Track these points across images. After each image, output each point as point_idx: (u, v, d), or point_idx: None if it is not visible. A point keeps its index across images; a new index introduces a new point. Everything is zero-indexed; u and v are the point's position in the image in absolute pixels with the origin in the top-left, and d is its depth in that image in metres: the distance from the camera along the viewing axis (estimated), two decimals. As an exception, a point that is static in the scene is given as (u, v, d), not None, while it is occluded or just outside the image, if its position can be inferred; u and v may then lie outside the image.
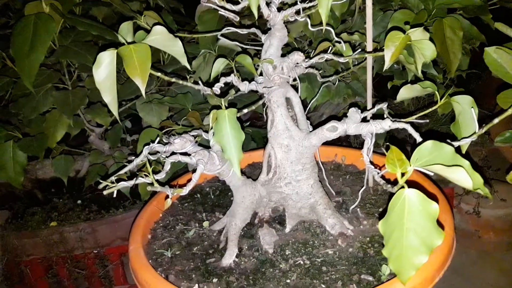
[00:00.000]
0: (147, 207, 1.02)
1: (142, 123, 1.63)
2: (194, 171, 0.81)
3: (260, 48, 1.01)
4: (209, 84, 0.89)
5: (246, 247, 0.89)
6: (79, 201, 1.56)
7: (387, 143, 0.64)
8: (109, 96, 0.77)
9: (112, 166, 1.42)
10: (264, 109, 0.92)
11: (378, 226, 0.58)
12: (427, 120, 0.87)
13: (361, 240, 0.88)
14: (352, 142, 1.71)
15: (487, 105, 1.58)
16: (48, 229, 1.41)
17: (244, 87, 0.91)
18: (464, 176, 0.55)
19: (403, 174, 0.58)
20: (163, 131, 1.19)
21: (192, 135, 0.99)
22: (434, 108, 0.86)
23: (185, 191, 0.77)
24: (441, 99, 0.83)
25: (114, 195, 0.83)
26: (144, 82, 0.73)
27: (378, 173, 0.73)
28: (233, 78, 0.92)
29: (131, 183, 0.81)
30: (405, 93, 0.90)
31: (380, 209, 0.97)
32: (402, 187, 0.57)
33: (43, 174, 1.66)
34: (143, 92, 0.73)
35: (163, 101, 1.29)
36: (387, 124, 0.80)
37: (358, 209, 0.96)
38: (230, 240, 0.89)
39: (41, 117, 1.32)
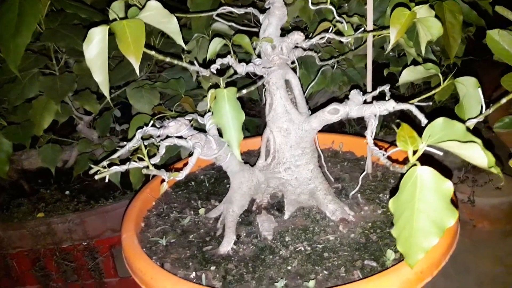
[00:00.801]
0: (140, 195, 0.99)
1: (132, 111, 1.59)
2: (190, 155, 0.77)
3: (256, 31, 0.98)
4: (204, 67, 0.86)
5: (244, 234, 0.86)
6: (67, 192, 1.51)
7: (398, 120, 0.61)
8: (101, 76, 0.73)
9: (102, 155, 1.38)
10: (263, 92, 0.89)
11: (389, 204, 0.56)
12: (430, 103, 0.85)
13: (362, 226, 0.85)
14: (348, 131, 1.69)
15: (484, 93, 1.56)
16: (35, 220, 1.36)
17: (241, 68, 0.88)
18: (479, 153, 0.52)
19: (414, 152, 0.56)
20: (156, 117, 1.15)
21: (187, 119, 0.96)
22: (437, 90, 0.84)
23: (181, 175, 0.74)
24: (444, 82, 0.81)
25: (106, 180, 0.80)
26: (138, 60, 0.69)
27: (383, 154, 0.70)
28: (229, 60, 0.88)
29: (124, 167, 0.78)
30: (407, 75, 0.87)
31: (380, 195, 0.95)
32: (414, 165, 0.54)
33: (29, 165, 1.60)
34: (137, 70, 0.69)
35: (155, 86, 1.25)
36: (391, 105, 0.77)
37: (359, 195, 0.94)
38: (228, 227, 0.86)
39: (27, 104, 1.27)
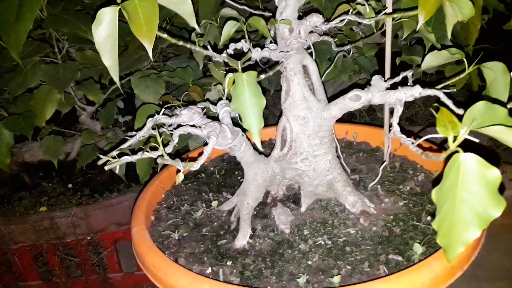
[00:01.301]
0: (149, 187, 0.94)
1: (136, 103, 1.54)
2: (205, 144, 0.73)
3: (267, 15, 0.93)
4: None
5: (260, 228, 0.82)
6: (70, 185, 1.47)
7: (436, 104, 0.57)
8: (110, 60, 0.69)
9: (105, 147, 1.33)
10: (281, 78, 0.84)
11: (432, 195, 0.52)
12: (455, 90, 0.81)
13: (384, 219, 0.81)
14: (358, 123, 1.65)
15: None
16: (37, 214, 1.31)
17: (256, 54, 0.83)
18: (527, 139, 0.48)
19: (455, 138, 0.52)
20: (164, 107, 1.10)
21: (200, 107, 0.92)
22: (463, 75, 0.80)
23: (196, 165, 0.69)
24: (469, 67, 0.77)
25: (117, 171, 0.75)
26: (151, 42, 0.65)
27: (412, 142, 0.66)
28: (244, 44, 0.84)
29: (135, 157, 0.74)
30: (431, 60, 0.83)
31: (400, 186, 0.91)
32: (456, 152, 0.50)
33: (31, 157, 1.55)
34: (150, 53, 0.65)
35: (161, 75, 1.20)
36: (417, 91, 0.73)
37: (378, 187, 0.90)
38: (243, 220, 0.82)
39: (28, 94, 1.22)
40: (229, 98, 0.96)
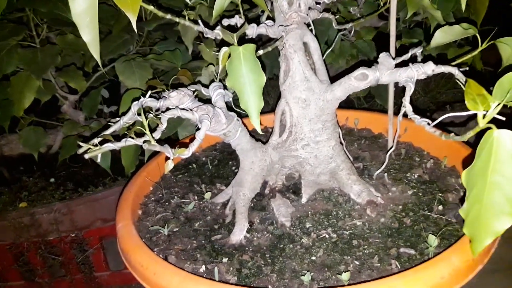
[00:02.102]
0: (136, 179, 0.87)
1: (121, 91, 1.46)
2: (196, 130, 0.66)
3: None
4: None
5: (258, 221, 0.75)
6: (52, 179, 1.38)
7: (466, 78, 0.51)
8: (89, 34, 0.61)
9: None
10: (280, 57, 0.77)
11: (461, 177, 0.45)
12: (467, 68, 0.74)
13: (392, 209, 0.75)
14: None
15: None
16: (17, 211, 1.23)
17: (252, 30, 0.76)
18: None
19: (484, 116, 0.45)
20: (149, 93, 1.02)
21: (190, 90, 0.84)
22: (476, 52, 0.74)
23: (188, 151, 0.62)
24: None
25: (99, 160, 0.68)
26: (135, 13, 0.58)
27: (428, 123, 0.59)
28: (238, 20, 0.77)
29: (119, 144, 0.66)
30: (441, 36, 0.77)
31: (407, 174, 0.85)
32: (488, 129, 0.44)
33: (10, 151, 1.46)
34: (134, 25, 0.57)
35: (148, 59, 1.12)
36: (430, 68, 0.66)
37: (384, 175, 0.83)
38: (239, 212, 0.75)
39: (5, 82, 1.13)
40: (223, 80, 0.89)
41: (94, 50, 0.60)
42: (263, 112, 0.87)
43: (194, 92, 0.76)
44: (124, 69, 1.15)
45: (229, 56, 0.57)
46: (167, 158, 0.59)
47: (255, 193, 0.80)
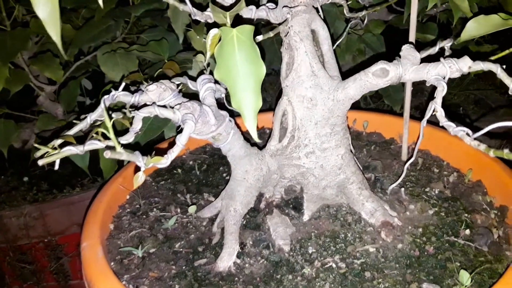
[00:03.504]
0: (109, 187, 0.74)
1: (106, 82, 1.33)
2: (178, 132, 0.53)
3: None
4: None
5: (251, 243, 0.63)
6: (25, 178, 1.25)
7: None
8: (44, 9, 0.48)
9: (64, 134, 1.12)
10: (282, 48, 0.64)
11: None
12: (504, 66, 0.62)
13: (411, 232, 0.63)
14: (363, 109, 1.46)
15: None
16: (-18, 213, 1.10)
17: (250, 13, 0.63)
18: None
19: None
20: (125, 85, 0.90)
21: (174, 83, 0.72)
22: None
23: (165, 160, 0.50)
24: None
25: (56, 167, 0.55)
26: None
27: (468, 134, 0.47)
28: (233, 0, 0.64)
29: (81, 148, 0.54)
30: (474, 28, 0.65)
31: (427, 189, 0.72)
32: None
33: (-20, 145, 1.33)
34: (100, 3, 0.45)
35: (132, 49, 0.99)
36: (467, 64, 0.54)
37: (402, 189, 0.71)
38: (229, 232, 0.62)
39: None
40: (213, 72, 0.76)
41: (53, 30, 0.46)
42: (260, 111, 0.75)
43: (178, 86, 0.63)
44: (106, 60, 1.02)
45: (220, 40, 0.45)
46: (137, 169, 0.47)
47: (249, 208, 0.67)
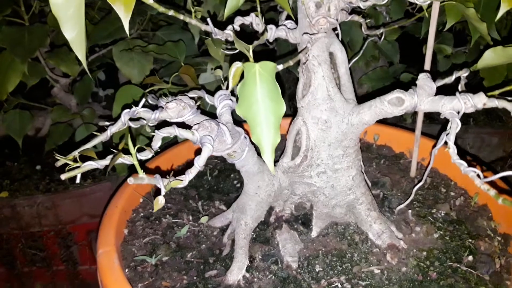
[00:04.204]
0: (123, 191, 0.76)
1: (118, 75, 1.35)
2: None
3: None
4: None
5: (260, 257, 0.65)
6: (38, 167, 1.27)
7: None
8: (72, 30, 0.50)
9: (80, 127, 1.14)
10: (300, 67, 0.65)
11: None
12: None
13: (416, 256, 0.65)
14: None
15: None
16: (-4, 200, 1.13)
17: (270, 33, 0.64)
18: None
19: None
20: (147, 90, 0.91)
21: (191, 97, 0.73)
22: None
23: (184, 181, 0.52)
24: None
25: (78, 180, 0.57)
26: (128, 12, 0.47)
27: (478, 175, 0.48)
28: (253, 19, 0.65)
29: (102, 163, 0.56)
30: (492, 58, 0.66)
31: (433, 210, 0.74)
32: None
33: (-6, 131, 1.36)
34: (126, 28, 0.46)
35: (148, 50, 1.00)
36: (481, 101, 0.55)
37: (410, 211, 0.73)
38: (239, 246, 0.64)
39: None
40: (233, 93, 0.77)
41: (79, 49, 0.49)
42: None
43: (196, 101, 0.65)
44: (122, 56, 1.04)
45: (242, 74, 0.46)
46: (157, 193, 0.48)
47: (259, 222, 0.69)
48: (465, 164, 0.51)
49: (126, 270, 0.63)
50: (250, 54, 0.47)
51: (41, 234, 1.18)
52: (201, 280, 0.62)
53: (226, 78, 0.80)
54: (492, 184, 0.74)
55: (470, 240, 0.68)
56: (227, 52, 0.78)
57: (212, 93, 0.67)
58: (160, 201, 0.48)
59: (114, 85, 1.36)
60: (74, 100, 1.25)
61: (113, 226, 0.68)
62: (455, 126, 0.54)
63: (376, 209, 0.69)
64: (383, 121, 1.33)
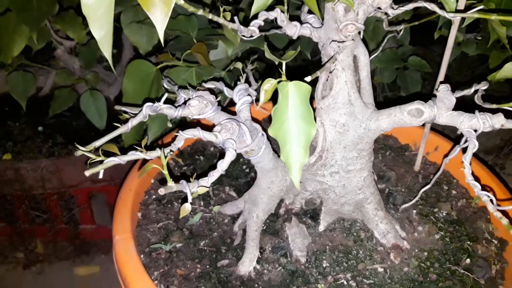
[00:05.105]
0: (136, 172, 0.77)
1: (122, 36, 1.31)
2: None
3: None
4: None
5: (270, 249, 0.68)
6: (40, 128, 1.27)
7: None
8: (101, 30, 0.50)
9: (85, 93, 1.12)
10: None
11: None
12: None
13: (417, 256, 0.69)
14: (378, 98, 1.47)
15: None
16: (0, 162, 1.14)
17: (294, 30, 0.64)
18: None
19: None
20: (159, 66, 0.90)
21: (208, 88, 0.73)
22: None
23: (206, 188, 0.53)
24: None
25: (101, 176, 0.58)
26: (167, 15, 0.47)
27: (492, 201, 0.51)
28: (279, 15, 0.64)
29: (125, 158, 0.57)
30: (511, 70, 0.66)
31: (435, 209, 0.77)
32: None
33: (-6, 87, 1.33)
34: (161, 37, 0.46)
35: (160, 23, 0.97)
36: (499, 122, 0.56)
37: (413, 209, 0.76)
38: (250, 238, 0.67)
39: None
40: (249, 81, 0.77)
41: (106, 48, 0.48)
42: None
43: (216, 96, 0.65)
44: (131, 22, 1.01)
45: (274, 91, 0.46)
46: (184, 200, 0.50)
47: (269, 214, 0.72)
48: (479, 187, 0.53)
49: (142, 256, 0.66)
50: (283, 70, 0.47)
51: (44, 196, 1.20)
52: (214, 270, 0.65)
53: (237, 58, 0.80)
54: (491, 184, 0.78)
55: (469, 243, 0.71)
56: (244, 38, 0.77)
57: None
58: (186, 208, 0.50)
59: (118, 46, 1.33)
60: (77, 63, 1.22)
61: (127, 211, 0.70)
62: (472, 147, 0.55)
63: (383, 208, 0.72)
64: (386, 96, 1.32)
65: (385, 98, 1.38)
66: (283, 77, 0.47)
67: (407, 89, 1.22)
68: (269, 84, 0.47)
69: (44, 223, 1.26)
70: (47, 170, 1.14)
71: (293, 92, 0.45)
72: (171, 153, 0.57)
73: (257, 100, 0.69)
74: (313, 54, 1.04)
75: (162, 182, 0.80)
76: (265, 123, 0.97)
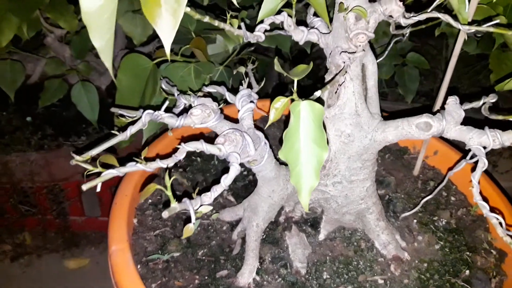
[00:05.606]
0: (133, 176, 0.75)
1: (116, 26, 1.26)
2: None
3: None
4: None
5: (269, 259, 0.67)
6: (28, 118, 1.23)
7: None
8: (102, 39, 0.47)
9: (77, 85, 1.08)
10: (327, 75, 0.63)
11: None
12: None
13: (417, 267, 0.68)
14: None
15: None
16: (-14, 155, 1.10)
17: (301, 35, 0.61)
18: None
19: None
20: (155, 61, 0.86)
21: (208, 92, 0.71)
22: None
23: (210, 204, 0.51)
24: None
25: (98, 189, 0.56)
26: (175, 27, 0.44)
27: (501, 224, 0.50)
28: (286, 19, 0.61)
29: (124, 170, 0.54)
30: (519, 84, 0.65)
31: (435, 218, 0.77)
32: None
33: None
34: (167, 49, 0.44)
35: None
36: (510, 139, 0.55)
37: (413, 218, 0.75)
38: (250, 249, 0.66)
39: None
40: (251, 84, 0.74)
41: (107, 59, 0.46)
42: (262, 98, 0.75)
43: (218, 104, 0.62)
44: (125, 12, 0.98)
45: (283, 110, 0.44)
46: (188, 220, 0.48)
47: (269, 222, 0.70)
48: (487, 208, 0.52)
49: (139, 266, 0.64)
50: (295, 88, 0.45)
51: (33, 190, 1.17)
52: (213, 281, 0.64)
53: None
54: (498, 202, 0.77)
55: (468, 253, 0.71)
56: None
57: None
58: (190, 229, 0.48)
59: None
60: (68, 51, 1.18)
61: (123, 218, 0.68)
62: (481, 166, 0.54)
63: (384, 218, 0.71)
64: (391, 116, 1.32)
65: (382, 94, 1.36)
66: (295, 95, 0.44)
67: (405, 87, 1.21)
68: (280, 103, 0.44)
69: (33, 216, 1.23)
70: (37, 164, 1.11)
71: (305, 112, 0.43)
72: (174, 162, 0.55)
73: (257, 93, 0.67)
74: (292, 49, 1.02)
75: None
76: (263, 122, 0.95)
